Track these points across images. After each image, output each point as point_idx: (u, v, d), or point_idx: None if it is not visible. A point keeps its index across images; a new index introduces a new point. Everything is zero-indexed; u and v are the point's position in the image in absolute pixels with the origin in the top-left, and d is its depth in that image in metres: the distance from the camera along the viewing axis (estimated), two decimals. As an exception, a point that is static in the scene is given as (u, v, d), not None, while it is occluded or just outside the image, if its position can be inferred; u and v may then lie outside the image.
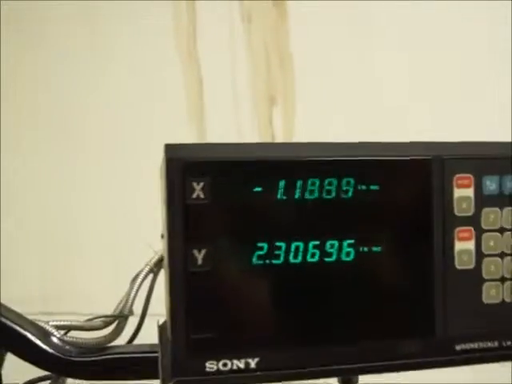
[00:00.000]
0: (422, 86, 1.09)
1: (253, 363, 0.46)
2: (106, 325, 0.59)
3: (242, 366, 0.46)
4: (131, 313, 0.59)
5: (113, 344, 0.57)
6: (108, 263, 1.17)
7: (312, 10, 1.12)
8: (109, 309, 0.59)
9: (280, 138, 1.10)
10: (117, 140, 1.16)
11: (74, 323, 0.57)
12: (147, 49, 1.17)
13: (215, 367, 0.45)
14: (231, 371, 0.45)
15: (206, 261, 0.45)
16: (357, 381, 0.55)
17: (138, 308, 0.59)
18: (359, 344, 0.48)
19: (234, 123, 1.13)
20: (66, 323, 0.57)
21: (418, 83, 1.10)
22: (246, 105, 1.14)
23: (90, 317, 0.59)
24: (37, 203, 1.20)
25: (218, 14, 1.15)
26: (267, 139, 1.10)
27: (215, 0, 1.15)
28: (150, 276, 0.61)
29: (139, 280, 0.60)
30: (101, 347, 0.56)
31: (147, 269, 0.61)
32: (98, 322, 0.59)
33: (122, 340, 0.59)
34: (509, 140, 0.52)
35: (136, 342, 0.60)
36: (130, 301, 0.59)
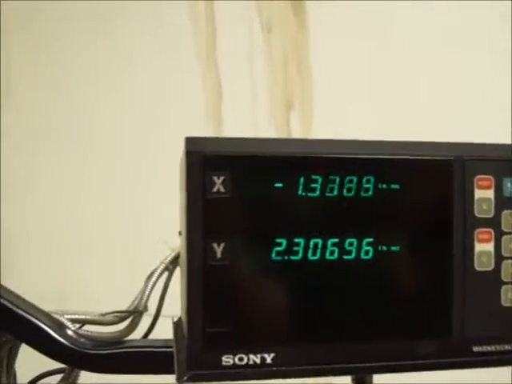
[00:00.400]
0: (440, 87, 1.09)
1: (269, 358, 0.46)
2: (121, 320, 0.59)
3: (258, 360, 0.46)
4: (146, 309, 0.59)
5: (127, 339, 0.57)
6: (117, 263, 1.17)
7: (331, 16, 1.13)
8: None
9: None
10: (134, 141, 1.16)
11: (88, 317, 0.58)
12: (166, 53, 1.18)
13: (231, 361, 0.45)
14: (247, 366, 0.45)
15: (225, 255, 0.45)
16: (371, 381, 0.54)
17: (152, 308, 0.59)
18: (375, 343, 0.48)
19: (251, 127, 1.13)
20: (80, 317, 0.57)
21: (436, 85, 1.09)
22: (264, 109, 1.14)
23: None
24: (44, 199, 1.21)
25: (237, 20, 1.16)
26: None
27: (235, 1, 1.15)
28: (165, 274, 0.61)
29: (154, 277, 0.60)
30: (116, 341, 0.56)
31: (162, 266, 0.61)
32: (112, 317, 0.59)
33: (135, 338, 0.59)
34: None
35: (148, 341, 0.60)
36: (144, 297, 0.60)
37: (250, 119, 1.12)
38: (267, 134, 1.12)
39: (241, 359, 0.45)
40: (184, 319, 0.47)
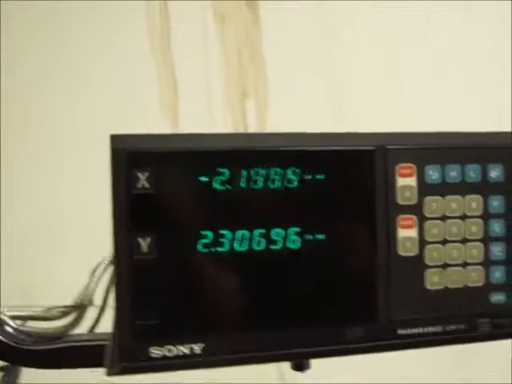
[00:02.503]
0: (389, 76, 1.11)
1: (198, 349, 0.47)
2: (65, 315, 0.59)
3: (186, 351, 0.47)
4: (91, 303, 0.60)
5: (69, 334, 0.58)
6: (90, 255, 1.17)
7: (284, 5, 1.13)
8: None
9: (253, 131, 1.12)
10: (94, 135, 1.16)
11: (31, 313, 0.58)
12: (121, 47, 1.18)
13: (160, 353, 0.46)
14: (176, 357, 0.46)
15: (151, 249, 0.46)
16: (308, 365, 0.56)
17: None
18: (304, 329, 0.49)
19: (207, 118, 1.14)
20: (23, 313, 0.58)
21: (383, 75, 1.11)
22: (220, 99, 1.14)
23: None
24: (16, 193, 1.20)
25: (191, 12, 1.16)
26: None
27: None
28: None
29: (99, 271, 0.60)
30: (57, 336, 0.56)
31: (107, 260, 0.61)
32: (56, 312, 0.59)
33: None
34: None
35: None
36: (89, 291, 0.60)
37: (206, 110, 1.12)
38: (224, 124, 1.13)
39: (170, 351, 0.46)
40: (114, 311, 0.48)
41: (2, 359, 0.54)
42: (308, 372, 0.53)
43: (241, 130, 1.12)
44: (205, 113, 1.14)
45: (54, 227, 1.18)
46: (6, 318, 0.55)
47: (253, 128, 1.13)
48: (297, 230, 0.49)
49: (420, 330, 0.51)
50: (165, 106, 1.14)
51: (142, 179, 0.46)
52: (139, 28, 1.17)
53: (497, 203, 0.52)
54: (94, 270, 0.61)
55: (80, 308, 0.60)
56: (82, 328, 0.61)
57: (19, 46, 1.17)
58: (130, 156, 0.46)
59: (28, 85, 1.16)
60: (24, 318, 0.58)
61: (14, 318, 0.57)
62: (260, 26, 1.13)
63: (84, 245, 1.14)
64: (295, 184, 0.49)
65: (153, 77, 1.15)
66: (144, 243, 0.46)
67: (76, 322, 0.59)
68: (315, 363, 0.52)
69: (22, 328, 0.56)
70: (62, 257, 1.19)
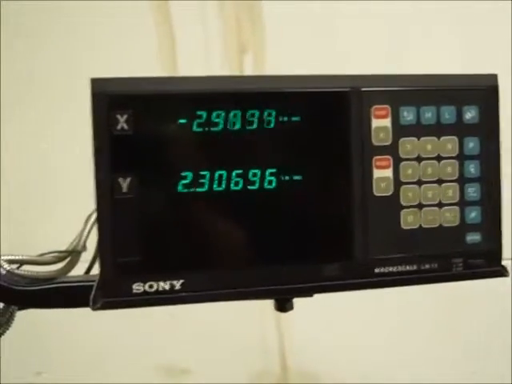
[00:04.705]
0: (389, 26, 1.11)
1: (177, 285, 0.49)
2: (59, 260, 0.62)
3: (167, 287, 0.49)
4: (84, 249, 0.62)
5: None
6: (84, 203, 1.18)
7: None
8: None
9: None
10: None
11: (25, 257, 0.60)
12: (119, 3, 1.18)
13: (142, 289, 0.48)
14: (157, 292, 0.48)
15: (131, 188, 0.48)
16: (291, 307, 0.57)
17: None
18: (282, 267, 0.51)
19: (205, 73, 1.15)
20: (18, 257, 0.60)
21: (383, 25, 1.11)
22: (218, 54, 1.15)
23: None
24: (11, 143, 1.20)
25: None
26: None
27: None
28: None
29: (93, 218, 0.62)
30: (49, 278, 0.59)
31: (100, 208, 0.63)
32: (50, 257, 0.61)
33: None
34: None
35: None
36: (83, 238, 0.62)
37: (204, 65, 1.13)
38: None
39: (151, 286, 0.48)
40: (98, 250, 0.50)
41: (-4, 299, 0.56)
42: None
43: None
44: (203, 67, 1.14)
45: (48, 176, 1.19)
46: (1, 262, 0.57)
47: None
48: (273, 170, 0.50)
49: (396, 269, 0.52)
50: (163, 61, 1.15)
51: (122, 121, 0.47)
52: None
53: (472, 144, 0.53)
54: (88, 217, 0.63)
55: (74, 253, 0.62)
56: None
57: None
58: (110, 98, 0.47)
59: (28, 39, 1.17)
60: (19, 262, 0.60)
61: (9, 262, 0.59)
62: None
63: (78, 193, 1.14)
64: (271, 126, 0.50)
65: (151, 32, 1.16)
66: (124, 183, 0.47)
67: (70, 266, 0.62)
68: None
69: (16, 271, 0.58)
70: (56, 205, 1.20)
